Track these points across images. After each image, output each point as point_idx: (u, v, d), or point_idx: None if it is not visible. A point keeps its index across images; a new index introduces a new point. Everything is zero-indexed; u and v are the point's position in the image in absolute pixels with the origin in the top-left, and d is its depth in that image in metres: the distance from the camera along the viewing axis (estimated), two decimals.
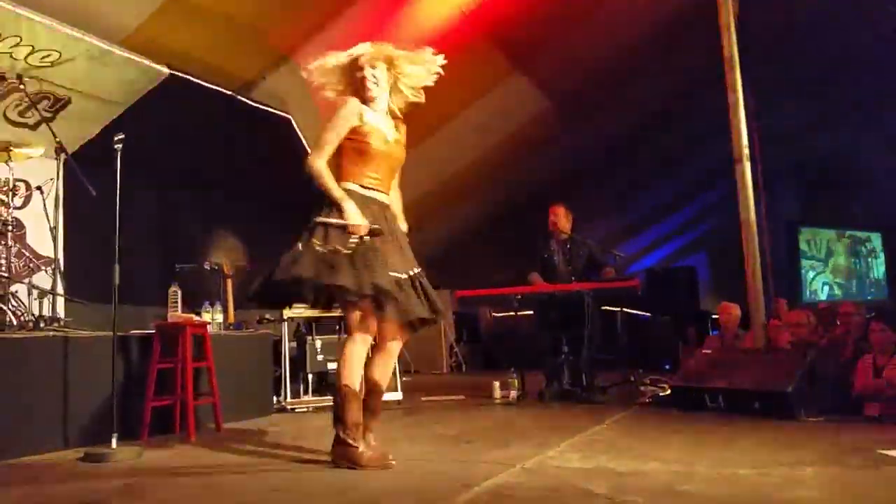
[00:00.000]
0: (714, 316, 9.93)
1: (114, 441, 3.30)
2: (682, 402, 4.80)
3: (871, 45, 10.16)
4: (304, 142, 8.24)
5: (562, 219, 5.91)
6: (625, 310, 6.63)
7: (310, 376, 5.30)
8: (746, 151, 5.62)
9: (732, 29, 5.72)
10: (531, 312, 6.06)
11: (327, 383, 5.49)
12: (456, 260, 11.85)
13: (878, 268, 14.66)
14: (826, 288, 14.22)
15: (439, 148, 9.05)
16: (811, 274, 14.17)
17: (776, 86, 9.66)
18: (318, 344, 5.36)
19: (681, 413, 4.55)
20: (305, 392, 5.27)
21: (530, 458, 3.03)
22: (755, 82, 7.30)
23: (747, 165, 5.60)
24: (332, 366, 5.34)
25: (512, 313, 5.95)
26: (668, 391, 5.28)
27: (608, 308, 6.31)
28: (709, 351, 5.57)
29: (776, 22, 8.77)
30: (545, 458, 3.06)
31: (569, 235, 5.89)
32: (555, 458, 3.08)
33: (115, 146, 3.49)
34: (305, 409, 5.13)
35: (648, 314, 8.83)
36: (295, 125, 8.11)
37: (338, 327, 5.46)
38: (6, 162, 4.39)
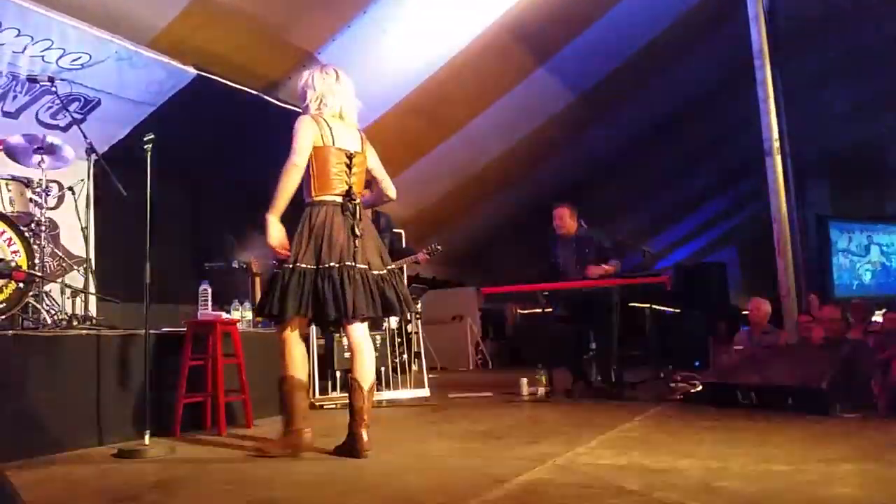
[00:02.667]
0: (744, 312, 9.80)
1: (147, 437, 3.33)
2: (714, 398, 4.74)
3: None
4: None
5: (567, 220, 5.77)
6: (653, 306, 6.56)
7: (337, 374, 5.31)
8: (777, 145, 5.54)
9: (762, 21, 5.64)
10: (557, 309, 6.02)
11: None
12: (482, 257, 11.85)
13: None
14: (859, 283, 13.91)
15: (464, 146, 9.05)
16: (845, 269, 13.88)
17: (805, 77, 9.48)
18: (346, 342, 5.37)
19: (713, 409, 4.49)
20: (333, 389, 5.29)
21: (561, 454, 3.01)
22: (784, 74, 7.19)
23: (778, 159, 5.52)
24: None
25: (538, 310, 5.92)
26: (700, 387, 5.21)
27: (636, 304, 6.25)
28: (740, 347, 5.49)
29: (804, 12, 8.61)
30: (576, 454, 3.03)
31: (575, 234, 5.79)
32: (586, 454, 3.05)
33: (145, 147, 3.53)
34: (334, 406, 5.15)
35: (677, 310, 8.74)
36: None
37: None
38: (39, 164, 4.46)
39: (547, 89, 8.86)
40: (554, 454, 3.00)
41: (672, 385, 5.75)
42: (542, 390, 5.36)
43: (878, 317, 9.51)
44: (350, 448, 3.08)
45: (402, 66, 7.72)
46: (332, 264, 3.07)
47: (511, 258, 12.31)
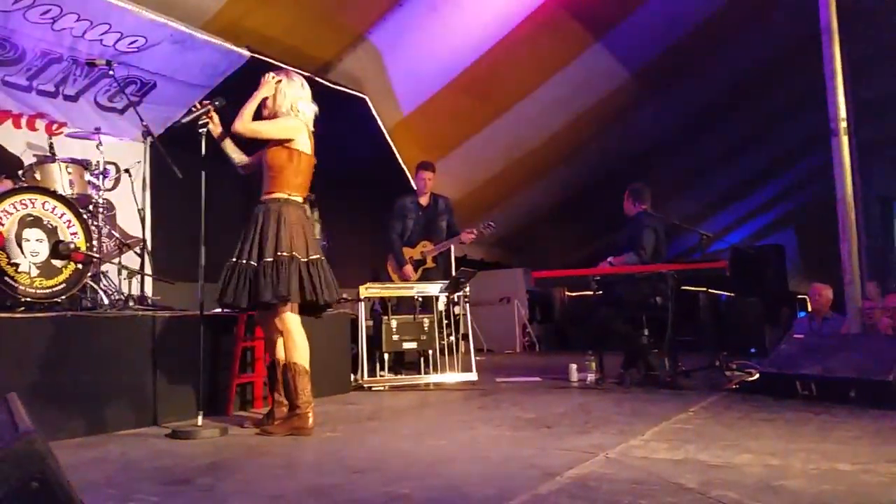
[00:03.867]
0: (801, 296, 9.49)
1: (200, 418, 3.39)
2: (772, 388, 4.58)
3: None
4: (378, 121, 8.27)
5: (625, 202, 5.75)
6: (708, 290, 6.38)
7: (385, 355, 5.33)
8: (844, 125, 5.29)
9: None
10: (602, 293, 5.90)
11: (403, 362, 5.53)
12: (530, 238, 11.74)
13: None
14: None
15: (515, 125, 8.93)
16: None
17: (869, 55, 9.03)
18: (394, 324, 5.39)
19: (770, 400, 4.34)
20: (381, 370, 5.32)
21: (614, 446, 2.94)
22: (848, 51, 6.85)
23: (845, 140, 5.27)
24: (407, 345, 5.37)
25: (588, 293, 5.81)
26: (756, 377, 5.06)
27: (690, 288, 6.08)
28: (801, 336, 5.30)
29: None
30: (629, 446, 2.96)
31: (631, 216, 5.72)
32: (640, 447, 2.97)
33: (217, 105, 3.61)
34: (382, 388, 5.18)
35: (732, 294, 8.51)
36: (370, 104, 8.14)
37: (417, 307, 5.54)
38: (97, 146, 4.55)
39: (601, 66, 8.65)
40: (606, 446, 2.94)
41: (727, 374, 5.60)
42: (591, 377, 5.28)
43: None
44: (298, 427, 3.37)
45: (453, 44, 7.64)
46: (314, 257, 3.47)
47: (559, 240, 12.17)
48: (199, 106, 3.59)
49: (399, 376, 5.38)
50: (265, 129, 3.53)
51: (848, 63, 5.46)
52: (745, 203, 14.85)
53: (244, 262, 3.40)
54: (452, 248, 6.31)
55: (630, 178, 6.49)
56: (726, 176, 13.20)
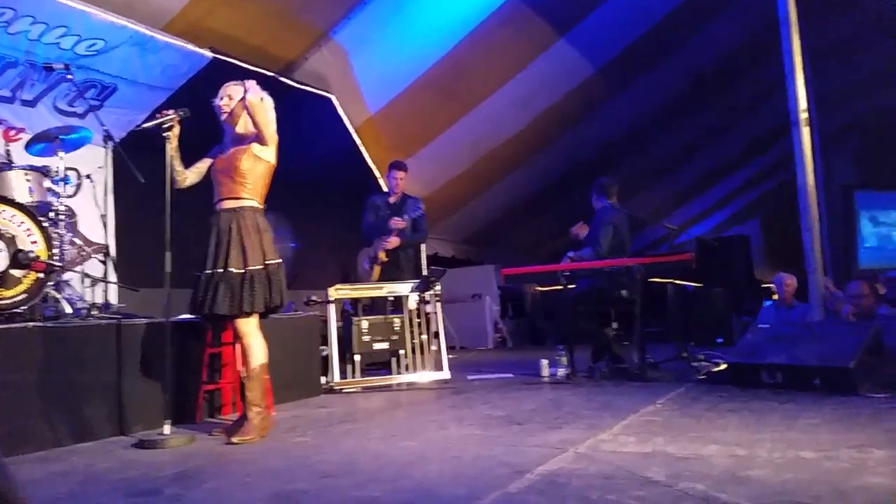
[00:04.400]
0: (767, 285, 9.65)
1: (167, 427, 3.35)
2: (739, 378, 4.66)
3: None
4: (344, 120, 8.23)
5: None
6: (675, 281, 6.47)
7: (356, 357, 5.30)
8: (804, 115, 5.39)
9: None
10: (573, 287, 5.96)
11: (374, 363, 5.51)
12: (502, 235, 11.77)
13: None
14: (888, 251, 13.60)
15: (481, 122, 8.94)
16: (872, 238, 13.61)
17: (825, 46, 9.21)
18: (365, 324, 5.37)
19: (737, 390, 4.42)
20: (353, 373, 5.30)
21: (583, 441, 2.97)
22: (809, 42, 6.99)
23: (805, 131, 5.37)
24: (378, 346, 5.36)
25: (558, 287, 5.85)
26: (723, 366, 5.14)
27: (657, 280, 6.16)
28: (766, 325, 5.39)
29: None
30: (598, 441, 2.99)
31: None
32: (609, 441, 3.01)
33: (180, 116, 3.54)
34: (354, 390, 5.16)
35: (699, 285, 8.63)
36: (336, 104, 8.09)
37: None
38: (57, 152, 4.46)
39: (566, 62, 8.69)
40: (576, 441, 2.97)
41: (694, 364, 5.69)
42: (563, 371, 5.32)
43: None
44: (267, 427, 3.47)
45: (418, 42, 7.62)
46: (276, 261, 3.54)
47: (530, 234, 12.22)
48: (163, 114, 3.53)
49: (370, 378, 5.35)
50: (271, 128, 3.57)
51: (808, 53, 5.55)
52: (711, 194, 15.06)
53: (220, 271, 3.40)
54: (423, 246, 6.30)
55: (598, 170, 6.55)
56: (692, 168, 13.37)
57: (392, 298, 5.66)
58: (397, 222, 5.92)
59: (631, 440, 3.01)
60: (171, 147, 3.52)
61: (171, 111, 3.53)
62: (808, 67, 5.58)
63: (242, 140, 3.59)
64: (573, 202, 7.44)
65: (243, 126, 3.62)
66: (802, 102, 5.41)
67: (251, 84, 3.56)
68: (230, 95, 3.62)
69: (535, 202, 11.29)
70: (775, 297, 7.06)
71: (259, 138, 3.52)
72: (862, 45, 10.54)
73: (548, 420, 3.59)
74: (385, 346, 5.38)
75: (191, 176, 3.65)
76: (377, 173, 8.71)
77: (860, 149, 13.92)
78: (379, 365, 5.55)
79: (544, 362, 5.47)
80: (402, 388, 5.22)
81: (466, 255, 11.48)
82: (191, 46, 6.01)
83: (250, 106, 3.50)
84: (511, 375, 5.81)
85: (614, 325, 5.55)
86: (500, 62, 8.36)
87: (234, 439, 3.31)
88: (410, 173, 6.52)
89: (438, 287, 5.62)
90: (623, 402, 4.05)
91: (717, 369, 5.35)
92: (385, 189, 6.35)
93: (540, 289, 10.71)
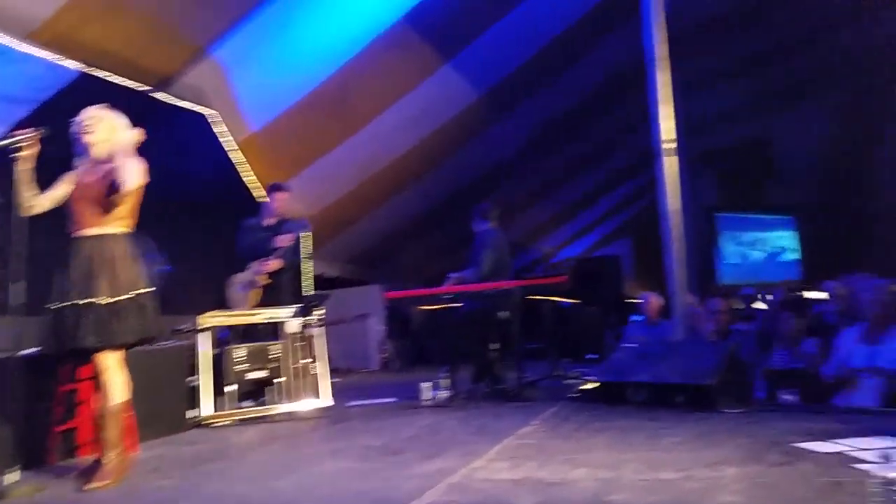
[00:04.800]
0: (633, 301, 10.12)
1: (15, 473, 3.07)
2: (608, 395, 4.84)
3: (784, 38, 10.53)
4: (221, 138, 7.96)
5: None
6: (552, 299, 6.66)
7: (230, 388, 5.06)
8: (669, 146, 5.71)
9: (663, 27, 5.78)
10: (461, 305, 6.02)
11: (250, 393, 5.28)
12: (388, 254, 11.75)
13: (791, 252, 15.20)
14: (745, 269, 14.69)
15: (368, 143, 8.91)
16: (732, 257, 14.67)
17: (691, 77, 9.90)
18: (240, 353, 5.16)
19: (606, 407, 4.58)
20: (226, 405, 5.04)
21: (458, 469, 2.98)
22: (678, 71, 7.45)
23: (668, 160, 5.69)
24: (254, 374, 5.16)
25: (441, 306, 5.90)
26: (594, 384, 5.33)
27: (535, 297, 6.31)
28: (633, 344, 5.65)
29: (690, 18, 8.94)
30: (472, 469, 3.01)
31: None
32: (483, 468, 3.03)
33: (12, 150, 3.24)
34: (226, 423, 4.89)
35: (576, 301, 8.94)
36: (213, 121, 7.82)
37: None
38: None
39: (451, 86, 8.84)
40: (450, 471, 2.97)
41: (567, 382, 5.87)
42: (443, 394, 5.34)
43: (760, 304, 10.10)
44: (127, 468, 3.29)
45: (303, 62, 7.51)
46: (143, 291, 3.35)
47: (415, 254, 12.28)
48: (17, 133, 3.24)
49: (244, 409, 5.11)
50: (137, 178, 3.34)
51: (678, 81, 5.86)
52: (587, 214, 15.72)
53: (84, 302, 3.15)
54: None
55: (482, 193, 6.66)
56: (570, 189, 13.91)
57: (271, 325, 5.48)
58: (284, 240, 5.72)
59: (504, 465, 3.05)
60: (22, 169, 3.25)
61: (30, 129, 3.27)
62: (679, 94, 5.87)
63: (105, 162, 3.36)
64: (459, 224, 7.54)
65: (106, 148, 3.39)
66: (666, 134, 5.73)
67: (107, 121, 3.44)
68: (93, 120, 3.40)
69: (422, 223, 11.36)
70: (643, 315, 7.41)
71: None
72: (729, 77, 11.42)
73: (424, 448, 3.57)
74: (262, 374, 5.19)
75: (44, 202, 3.36)
76: (254, 194, 8.47)
77: (723, 173, 15.07)
78: (256, 395, 5.33)
79: (424, 385, 5.46)
80: (279, 419, 5.04)
81: (352, 274, 11.36)
82: (55, 58, 5.66)
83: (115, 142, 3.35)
84: (394, 399, 5.76)
85: (495, 345, 5.64)
86: (387, 84, 8.39)
87: (89, 486, 3.07)
88: (295, 192, 6.38)
89: (322, 311, 5.50)
90: (499, 425, 4.11)
91: (588, 387, 5.54)
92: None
93: (423, 307, 10.73)
